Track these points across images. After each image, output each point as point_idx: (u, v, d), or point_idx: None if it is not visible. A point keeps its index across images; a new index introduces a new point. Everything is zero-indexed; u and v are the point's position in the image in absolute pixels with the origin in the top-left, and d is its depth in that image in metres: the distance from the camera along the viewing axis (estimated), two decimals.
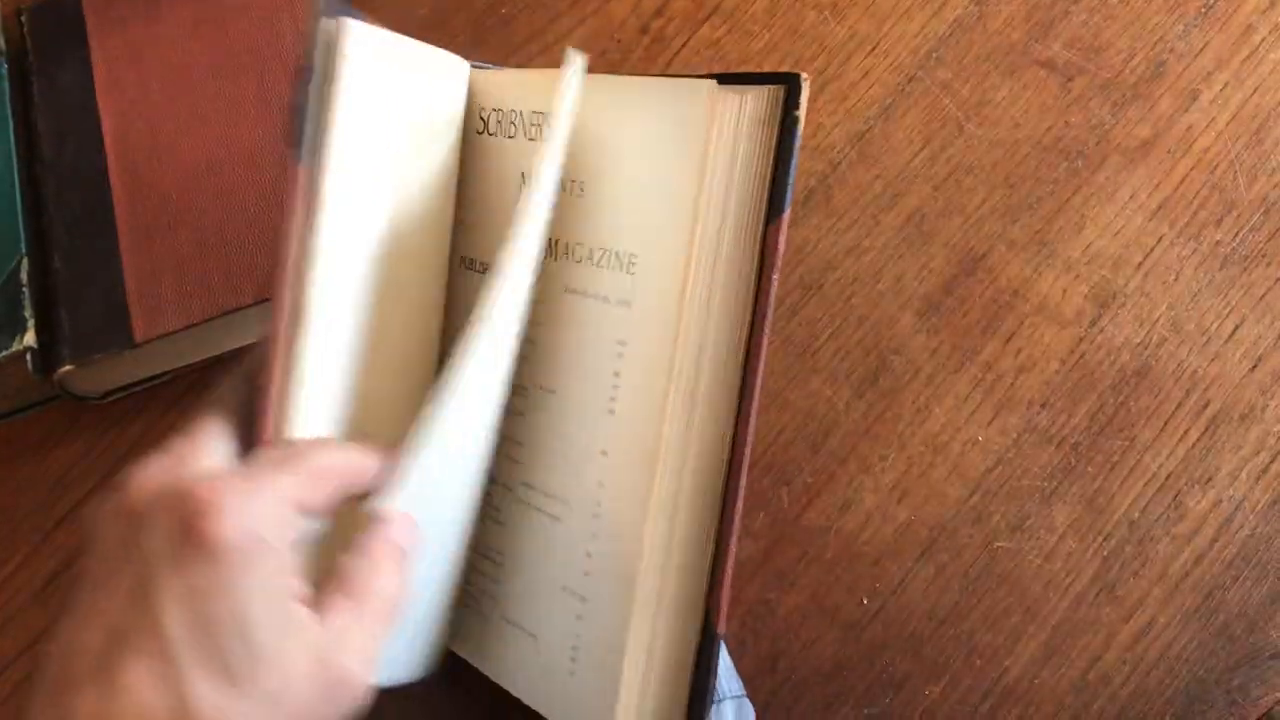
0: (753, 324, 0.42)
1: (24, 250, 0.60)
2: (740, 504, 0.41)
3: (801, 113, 0.41)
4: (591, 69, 0.46)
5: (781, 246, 0.41)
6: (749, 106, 0.42)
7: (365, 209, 0.44)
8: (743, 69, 0.68)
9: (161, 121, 0.61)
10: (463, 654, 0.49)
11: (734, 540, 0.41)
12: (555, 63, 0.68)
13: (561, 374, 0.45)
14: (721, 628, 0.41)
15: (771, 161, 0.42)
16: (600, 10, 0.71)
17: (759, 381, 0.41)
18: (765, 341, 0.41)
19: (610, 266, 0.45)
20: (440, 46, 0.60)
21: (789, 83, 0.42)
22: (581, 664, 0.43)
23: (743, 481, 0.41)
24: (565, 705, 0.44)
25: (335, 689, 0.36)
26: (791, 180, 0.42)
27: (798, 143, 0.42)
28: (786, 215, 0.42)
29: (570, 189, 0.46)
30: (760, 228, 0.42)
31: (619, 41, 0.70)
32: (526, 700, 0.46)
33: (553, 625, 0.45)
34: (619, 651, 0.42)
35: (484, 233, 0.50)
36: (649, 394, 0.42)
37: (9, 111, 0.63)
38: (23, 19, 0.66)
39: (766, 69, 0.68)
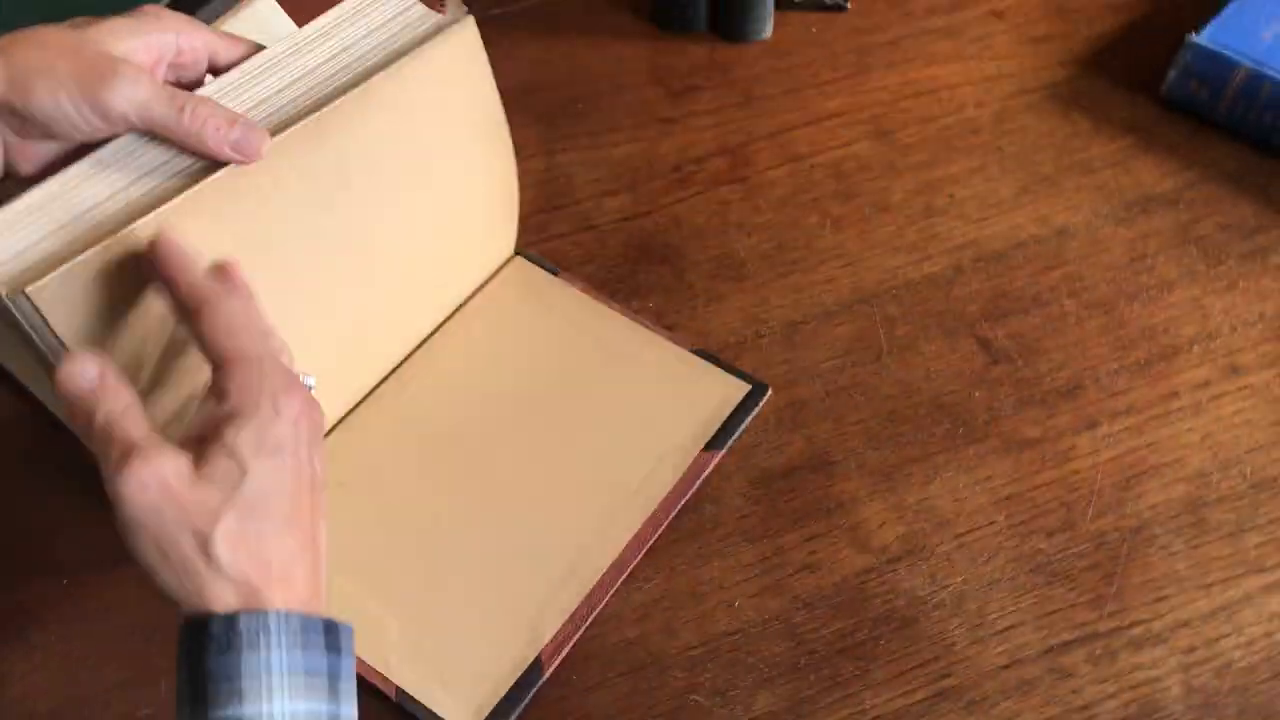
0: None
1: None
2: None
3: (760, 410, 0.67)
4: (614, 186, 0.70)
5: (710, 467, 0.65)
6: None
7: None
8: (742, 238, 0.75)
9: None
10: None
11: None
12: (604, 158, 0.77)
13: None
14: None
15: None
16: (653, 140, 0.81)
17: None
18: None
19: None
20: (519, 119, 0.69)
21: (759, 386, 0.68)
22: None
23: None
24: None
25: None
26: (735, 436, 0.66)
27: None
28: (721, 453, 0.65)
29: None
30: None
31: (650, 165, 0.79)
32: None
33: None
34: None
35: None
36: None
37: None
38: None
39: (757, 244, 0.75)
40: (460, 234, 0.68)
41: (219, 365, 0.46)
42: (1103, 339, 0.70)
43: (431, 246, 0.66)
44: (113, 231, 0.49)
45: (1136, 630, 0.59)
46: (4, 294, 0.48)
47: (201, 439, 0.45)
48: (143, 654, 0.61)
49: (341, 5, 0.59)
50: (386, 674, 0.58)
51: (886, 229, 0.75)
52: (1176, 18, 0.82)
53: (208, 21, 0.62)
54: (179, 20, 0.55)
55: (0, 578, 0.63)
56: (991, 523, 0.63)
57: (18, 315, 0.49)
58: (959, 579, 0.62)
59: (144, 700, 0.59)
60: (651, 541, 0.63)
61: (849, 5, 0.88)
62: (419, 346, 0.69)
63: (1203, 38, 0.76)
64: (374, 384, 0.68)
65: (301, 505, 0.46)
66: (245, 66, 0.56)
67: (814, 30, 0.87)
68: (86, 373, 0.46)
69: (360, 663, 0.58)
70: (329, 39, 0.58)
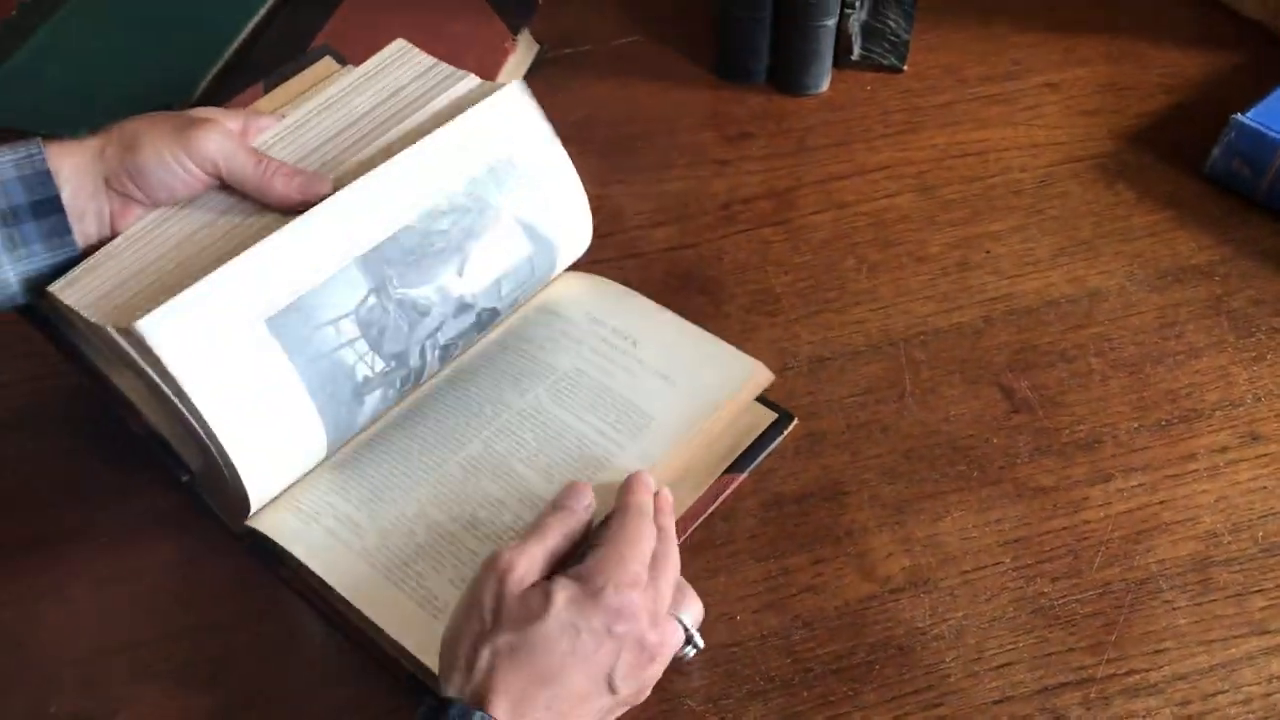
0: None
1: None
2: None
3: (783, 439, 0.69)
4: (663, 218, 0.76)
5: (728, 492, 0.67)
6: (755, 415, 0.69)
7: None
8: (779, 275, 0.78)
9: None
10: None
11: None
12: (656, 191, 0.80)
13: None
14: None
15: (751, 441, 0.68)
16: (705, 179, 0.84)
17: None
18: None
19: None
20: (578, 150, 0.73)
21: (785, 416, 0.69)
22: None
23: None
24: None
25: None
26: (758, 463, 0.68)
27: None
28: (742, 477, 0.67)
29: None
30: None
31: (699, 202, 0.82)
32: None
33: None
34: None
35: None
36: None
37: None
38: None
39: (793, 282, 0.78)
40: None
41: (631, 539, 0.56)
42: (1125, 398, 0.71)
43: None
44: (207, 267, 0.59)
45: (1133, 679, 0.60)
46: (112, 327, 0.57)
47: (563, 563, 0.56)
48: (166, 616, 0.64)
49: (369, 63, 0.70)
50: (401, 658, 0.60)
51: (921, 278, 0.77)
52: (1225, 102, 0.84)
53: (278, 81, 0.72)
54: (247, 111, 0.67)
55: (46, 533, 0.67)
56: (997, 563, 0.64)
57: (124, 344, 0.57)
58: (960, 614, 0.62)
59: (161, 657, 0.62)
60: None
61: (905, 67, 0.91)
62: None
63: (1248, 117, 0.78)
64: None
65: (573, 685, 0.52)
66: (287, 122, 0.66)
67: (869, 89, 0.90)
68: (584, 498, 0.58)
69: (376, 647, 0.60)
70: (364, 93, 0.68)
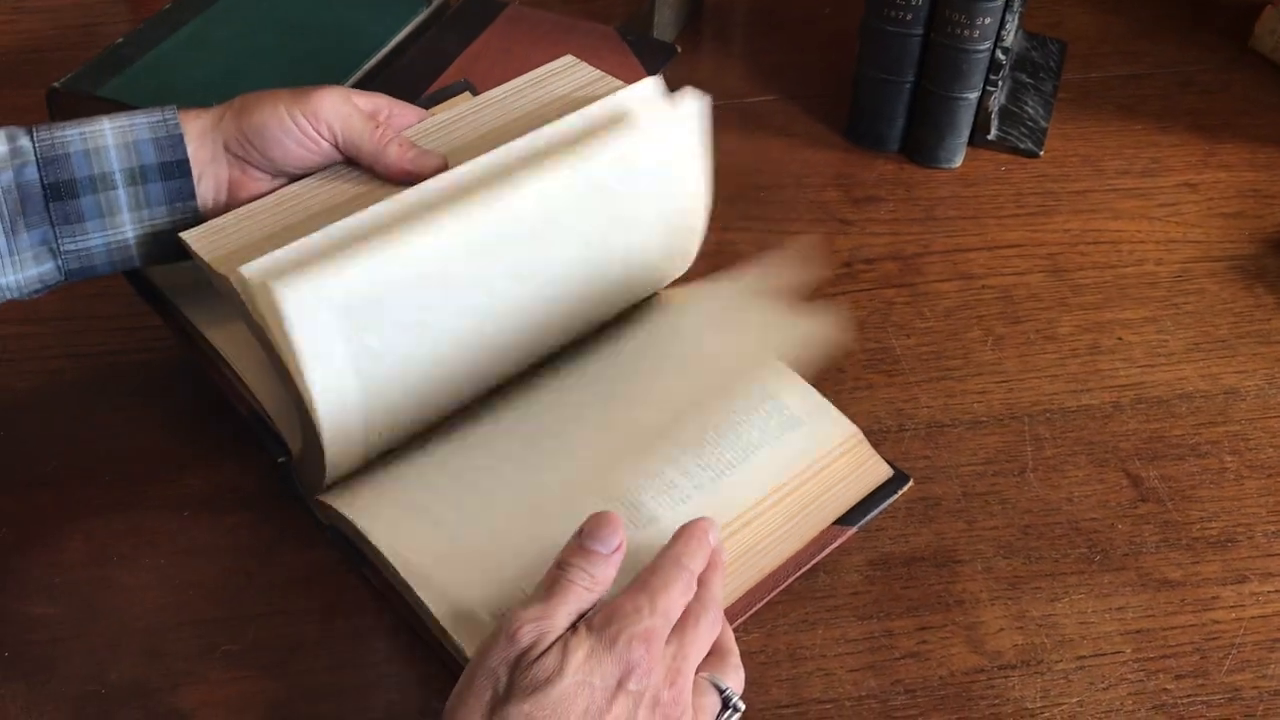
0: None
1: None
2: None
3: (896, 498, 0.65)
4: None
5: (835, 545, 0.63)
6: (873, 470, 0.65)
7: None
8: (901, 337, 0.75)
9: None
10: None
11: None
12: (776, 242, 0.79)
13: None
14: None
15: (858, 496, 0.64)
16: (828, 236, 0.83)
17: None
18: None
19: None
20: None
21: (900, 476, 0.65)
22: None
23: None
24: None
25: None
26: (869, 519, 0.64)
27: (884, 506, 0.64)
28: (852, 531, 0.63)
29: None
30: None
31: (822, 256, 0.80)
32: None
33: None
34: None
35: None
36: None
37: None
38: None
39: (915, 346, 0.75)
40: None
41: (656, 590, 0.50)
42: (1263, 500, 0.67)
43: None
44: (358, 239, 0.56)
45: None
46: (255, 283, 0.53)
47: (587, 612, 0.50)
48: (239, 597, 0.61)
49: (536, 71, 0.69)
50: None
51: (1048, 356, 0.74)
52: None
53: None
54: (389, 97, 0.66)
55: (129, 499, 0.65)
56: (1117, 652, 0.60)
57: (259, 302, 0.53)
58: (1074, 700, 0.58)
59: (229, 638, 0.59)
60: (766, 600, 0.61)
61: (1042, 153, 0.89)
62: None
63: None
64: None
65: None
66: (439, 117, 0.65)
67: (1004, 169, 0.88)
68: (612, 539, 0.52)
69: (447, 654, 0.57)
70: (523, 97, 0.67)
